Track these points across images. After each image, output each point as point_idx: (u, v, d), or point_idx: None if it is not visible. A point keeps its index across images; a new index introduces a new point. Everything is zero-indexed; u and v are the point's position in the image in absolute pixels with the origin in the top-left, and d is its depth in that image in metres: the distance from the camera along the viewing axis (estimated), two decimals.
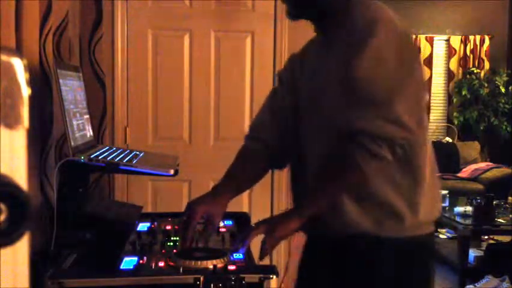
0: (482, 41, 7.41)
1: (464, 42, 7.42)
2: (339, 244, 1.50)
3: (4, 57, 0.51)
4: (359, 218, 1.44)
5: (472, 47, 7.42)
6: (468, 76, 7.32)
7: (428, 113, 6.95)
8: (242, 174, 1.69)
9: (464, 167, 6.90)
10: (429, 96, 7.41)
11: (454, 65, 7.49)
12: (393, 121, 1.35)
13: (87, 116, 2.11)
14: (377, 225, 1.45)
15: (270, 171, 1.80)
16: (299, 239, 1.73)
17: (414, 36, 7.29)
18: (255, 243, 1.45)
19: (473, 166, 6.85)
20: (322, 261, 1.56)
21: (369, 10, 1.44)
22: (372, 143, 1.36)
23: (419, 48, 7.32)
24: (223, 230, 1.78)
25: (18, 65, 0.52)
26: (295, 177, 1.65)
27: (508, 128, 7.15)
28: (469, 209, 4.42)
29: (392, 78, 1.38)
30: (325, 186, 1.48)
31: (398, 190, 1.44)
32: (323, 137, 1.50)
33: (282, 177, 3.30)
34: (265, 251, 1.41)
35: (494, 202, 4.45)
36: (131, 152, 2.07)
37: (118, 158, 1.86)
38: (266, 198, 3.36)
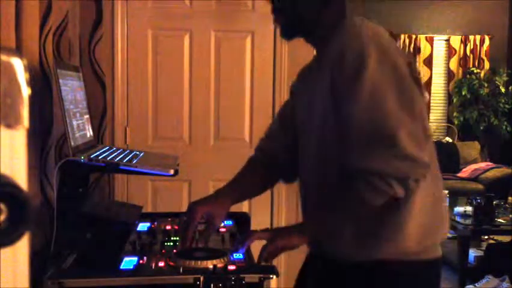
0: (482, 41, 7.41)
1: (464, 42, 7.42)
2: (336, 270, 1.48)
3: (4, 57, 0.51)
4: (358, 246, 1.43)
5: (472, 47, 7.42)
6: (468, 76, 7.32)
7: (428, 113, 6.97)
8: (247, 182, 1.69)
9: (464, 167, 6.90)
10: (429, 96, 7.41)
11: (454, 65, 7.49)
12: (403, 158, 1.30)
13: (87, 116, 2.11)
14: (375, 251, 1.42)
15: (277, 182, 1.79)
16: None
17: (414, 36, 7.30)
18: (256, 245, 1.45)
19: (473, 166, 6.85)
20: (320, 281, 1.55)
21: (356, 37, 1.36)
22: (382, 182, 1.32)
23: (419, 49, 7.33)
24: (223, 230, 1.78)
25: (18, 65, 0.52)
26: (301, 188, 1.64)
27: (508, 128, 7.16)
28: (469, 209, 4.42)
29: (394, 114, 1.31)
30: (332, 214, 1.45)
31: (397, 215, 1.40)
32: (314, 158, 1.50)
33: None
34: (264, 257, 1.41)
35: (494, 202, 4.46)
36: (131, 152, 2.07)
37: (118, 158, 1.86)
38: (266, 198, 3.36)
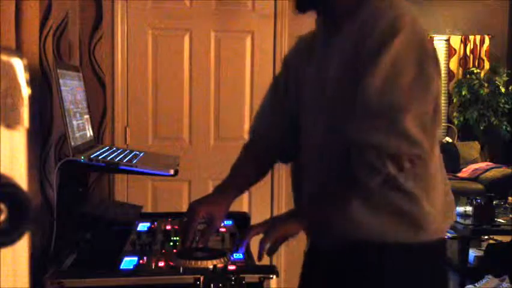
0: (482, 41, 7.41)
1: (464, 42, 7.42)
2: (346, 251, 1.45)
3: (4, 57, 0.51)
4: (369, 225, 1.40)
5: (472, 47, 7.42)
6: (468, 76, 7.32)
7: None
8: (246, 172, 1.67)
9: (464, 167, 6.90)
10: None
11: (454, 65, 7.49)
12: (401, 136, 1.29)
13: (87, 116, 2.11)
14: (388, 231, 1.41)
15: (272, 167, 1.76)
16: None
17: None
18: (256, 244, 1.45)
19: (473, 166, 6.85)
20: (329, 269, 1.51)
21: (391, 7, 1.35)
22: (377, 159, 1.31)
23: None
24: (223, 230, 1.77)
25: (18, 65, 0.52)
26: (296, 175, 1.63)
27: (508, 128, 7.15)
28: (469, 209, 4.42)
29: (406, 91, 1.30)
30: (329, 196, 1.45)
31: (409, 198, 1.39)
32: (323, 135, 1.47)
33: (282, 177, 3.31)
34: (261, 250, 1.40)
35: (494, 202, 4.45)
36: (131, 152, 2.07)
37: (118, 158, 1.86)
38: (266, 198, 3.36)
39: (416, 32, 1.34)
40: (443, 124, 7.49)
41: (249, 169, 1.68)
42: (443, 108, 7.49)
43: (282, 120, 1.63)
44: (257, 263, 1.46)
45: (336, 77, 1.43)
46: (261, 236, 1.43)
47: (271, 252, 1.43)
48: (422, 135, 1.31)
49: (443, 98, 7.49)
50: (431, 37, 7.39)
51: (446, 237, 1.51)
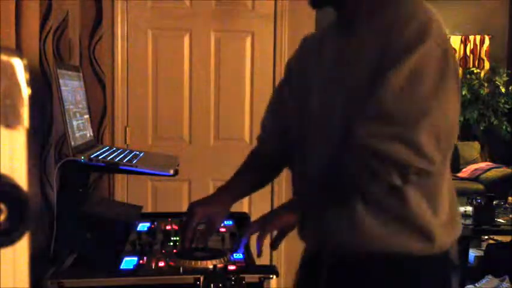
0: (482, 41, 7.41)
1: (464, 42, 7.43)
2: (347, 261, 1.41)
3: (4, 57, 0.51)
4: (370, 234, 1.36)
5: (472, 47, 7.42)
6: (468, 76, 7.32)
7: None
8: (249, 177, 1.65)
9: (464, 167, 6.90)
10: None
11: None
12: (411, 147, 1.23)
13: (87, 116, 2.11)
14: (391, 242, 1.36)
15: (279, 174, 1.74)
16: None
17: None
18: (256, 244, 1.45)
19: (473, 166, 6.85)
20: (328, 278, 1.46)
21: (419, 13, 1.29)
22: (382, 167, 1.26)
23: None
24: (223, 230, 1.77)
25: (18, 65, 0.52)
26: (296, 173, 1.59)
27: (508, 128, 7.15)
28: (469, 209, 4.42)
29: (424, 101, 1.24)
30: (327, 193, 1.42)
31: (414, 209, 1.34)
32: (333, 136, 1.40)
33: (282, 177, 3.29)
34: (261, 247, 1.39)
35: (494, 202, 4.45)
36: (131, 152, 2.07)
37: (118, 158, 1.86)
38: (266, 198, 3.36)
39: (443, 40, 1.29)
40: None
41: (253, 174, 1.66)
42: None
43: (287, 126, 1.59)
44: (257, 259, 1.46)
45: (356, 78, 1.36)
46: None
47: (273, 246, 1.42)
48: (434, 148, 1.25)
49: None
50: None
51: (451, 249, 1.43)
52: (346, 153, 1.33)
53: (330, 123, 1.41)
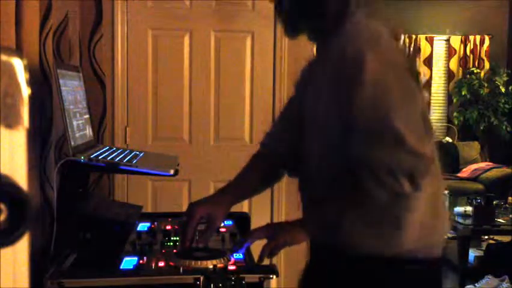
0: (482, 41, 7.41)
1: (464, 42, 7.42)
2: (345, 265, 1.45)
3: (4, 57, 0.51)
4: (369, 240, 1.41)
5: (472, 47, 7.42)
6: (468, 76, 7.32)
7: (428, 113, 6.94)
8: (251, 180, 1.67)
9: (464, 167, 6.90)
10: (429, 96, 7.41)
11: (454, 65, 7.49)
12: (411, 153, 1.30)
13: (87, 116, 2.11)
14: (388, 247, 1.41)
15: (280, 180, 1.78)
16: None
17: (414, 37, 7.30)
18: (256, 245, 1.45)
19: (473, 166, 6.85)
20: (328, 281, 1.51)
21: (354, 38, 1.38)
22: (391, 179, 1.31)
23: (419, 49, 7.33)
24: (223, 230, 1.78)
25: (18, 65, 0.52)
26: (302, 184, 1.62)
27: (508, 128, 7.15)
28: (469, 209, 4.42)
29: (396, 109, 1.32)
30: (335, 208, 1.44)
31: (415, 213, 1.40)
32: (320, 152, 1.48)
33: (282, 178, 3.30)
34: (264, 255, 1.40)
35: (494, 202, 4.46)
36: (131, 152, 2.07)
37: (118, 158, 1.86)
38: (266, 198, 3.36)
39: (385, 56, 1.36)
40: (443, 124, 7.49)
41: (254, 178, 1.68)
42: (443, 108, 7.52)
43: (291, 137, 1.63)
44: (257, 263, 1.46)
45: (322, 97, 1.45)
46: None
47: (271, 255, 1.43)
48: (423, 147, 1.32)
49: (443, 98, 7.52)
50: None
51: (438, 257, 1.49)
52: (351, 172, 1.37)
53: (317, 144, 1.48)
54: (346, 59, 1.36)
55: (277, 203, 3.38)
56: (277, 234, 1.42)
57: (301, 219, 1.54)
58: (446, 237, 1.52)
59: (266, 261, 1.43)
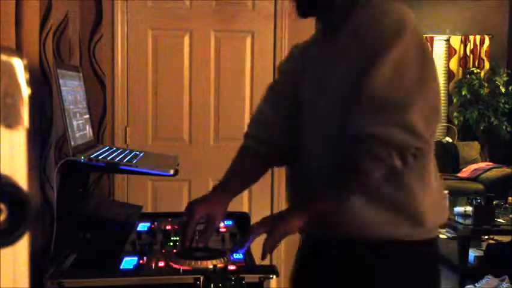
0: (482, 41, 7.41)
1: (464, 42, 7.43)
2: (342, 246, 1.46)
3: (4, 57, 0.51)
4: (367, 219, 1.42)
5: (472, 47, 7.42)
6: (468, 76, 7.32)
7: None
8: (244, 173, 1.66)
9: (464, 167, 6.91)
10: None
11: (454, 65, 7.49)
12: (407, 129, 1.32)
13: (87, 116, 2.11)
14: (386, 227, 1.42)
15: (271, 169, 1.79)
16: None
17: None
18: (256, 243, 1.44)
19: (473, 166, 6.85)
20: (324, 264, 1.52)
21: (393, 10, 1.40)
22: (383, 150, 1.33)
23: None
24: (223, 230, 1.77)
25: (18, 65, 0.52)
26: (294, 173, 1.62)
27: (508, 128, 7.16)
28: (469, 209, 4.42)
29: (411, 87, 1.35)
30: (331, 188, 1.45)
31: (409, 193, 1.42)
32: (323, 136, 1.47)
33: (282, 177, 3.30)
34: (266, 251, 1.39)
35: (494, 202, 4.46)
36: (131, 152, 2.07)
37: (118, 158, 1.86)
38: (266, 198, 3.36)
39: (418, 33, 1.40)
40: (443, 124, 7.49)
41: (247, 170, 1.67)
42: (443, 108, 7.52)
43: (279, 124, 1.63)
44: (257, 259, 1.45)
45: (338, 78, 1.44)
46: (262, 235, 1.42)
47: (272, 249, 1.42)
48: (425, 128, 1.34)
49: (443, 98, 7.52)
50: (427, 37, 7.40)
51: (437, 235, 1.54)
52: (347, 144, 1.38)
53: (322, 120, 1.48)
54: (386, 22, 1.37)
55: (277, 203, 3.38)
56: (275, 226, 1.41)
57: (297, 203, 1.53)
58: (446, 218, 1.56)
59: (266, 261, 1.43)
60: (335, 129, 1.43)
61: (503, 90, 7.17)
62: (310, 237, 1.59)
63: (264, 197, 3.36)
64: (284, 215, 1.46)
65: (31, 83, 0.53)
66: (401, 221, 1.42)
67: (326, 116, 1.46)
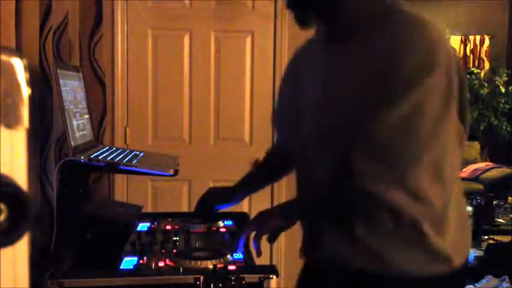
0: (482, 41, 7.42)
1: (464, 42, 7.43)
2: (349, 279, 1.37)
3: (4, 57, 0.51)
4: (371, 253, 1.32)
5: (472, 47, 7.43)
6: (468, 76, 7.32)
7: None
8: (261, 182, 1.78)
9: (464, 167, 6.90)
10: None
11: None
12: (411, 193, 1.19)
13: (87, 116, 2.11)
14: (393, 262, 1.31)
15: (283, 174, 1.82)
16: None
17: None
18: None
19: (473, 166, 6.85)
20: None
21: (425, 31, 1.21)
22: (375, 211, 1.25)
23: None
24: (223, 230, 1.77)
25: (18, 65, 0.52)
26: (299, 177, 1.57)
27: (508, 128, 7.16)
28: (469, 209, 4.42)
29: (426, 137, 1.18)
30: (320, 204, 1.40)
31: (415, 232, 1.29)
32: (325, 138, 1.38)
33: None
34: (258, 245, 1.38)
35: (494, 202, 4.46)
36: (131, 152, 2.07)
37: (118, 158, 1.86)
38: (266, 198, 3.36)
39: (449, 65, 1.20)
40: None
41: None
42: None
43: (286, 134, 1.63)
44: (257, 259, 1.45)
45: (348, 88, 1.30)
46: None
47: (270, 240, 1.40)
48: (435, 190, 1.21)
49: None
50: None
51: (461, 267, 1.36)
52: (345, 182, 1.30)
53: (328, 130, 1.37)
54: (416, 54, 1.17)
55: (277, 203, 3.38)
56: (263, 222, 1.39)
57: (290, 203, 1.49)
58: (466, 254, 1.39)
59: (266, 261, 1.43)
60: (336, 133, 1.34)
61: (503, 90, 7.17)
62: (314, 264, 1.52)
63: (264, 197, 3.36)
64: (270, 211, 1.45)
65: (31, 83, 0.53)
66: (406, 255, 1.30)
67: (331, 121, 1.36)
